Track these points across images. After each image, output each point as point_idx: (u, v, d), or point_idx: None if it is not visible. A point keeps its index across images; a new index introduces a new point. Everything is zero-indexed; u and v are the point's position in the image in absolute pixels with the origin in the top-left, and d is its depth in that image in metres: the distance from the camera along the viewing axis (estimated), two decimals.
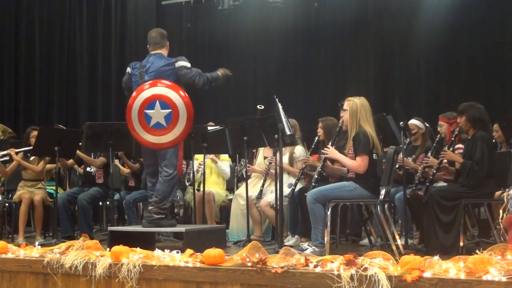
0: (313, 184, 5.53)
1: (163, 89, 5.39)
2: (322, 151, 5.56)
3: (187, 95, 5.44)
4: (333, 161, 5.69)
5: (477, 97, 6.71)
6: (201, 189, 6.84)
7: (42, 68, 10.89)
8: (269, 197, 6.31)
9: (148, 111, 5.37)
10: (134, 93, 5.49)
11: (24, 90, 10.72)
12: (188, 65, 5.56)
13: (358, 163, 5.13)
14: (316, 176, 5.63)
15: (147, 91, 5.40)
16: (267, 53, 11.30)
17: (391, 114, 6.08)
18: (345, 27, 10.81)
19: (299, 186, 6.18)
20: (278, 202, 5.68)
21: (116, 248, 4.14)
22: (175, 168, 5.51)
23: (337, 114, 5.80)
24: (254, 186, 6.67)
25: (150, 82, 5.45)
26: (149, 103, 5.37)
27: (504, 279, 3.00)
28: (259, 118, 6.20)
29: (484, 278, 3.05)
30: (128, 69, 5.76)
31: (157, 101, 5.35)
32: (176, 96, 5.36)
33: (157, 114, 5.36)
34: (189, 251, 4.03)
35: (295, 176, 6.36)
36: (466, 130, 5.61)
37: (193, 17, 11.70)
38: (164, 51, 5.69)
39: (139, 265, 3.93)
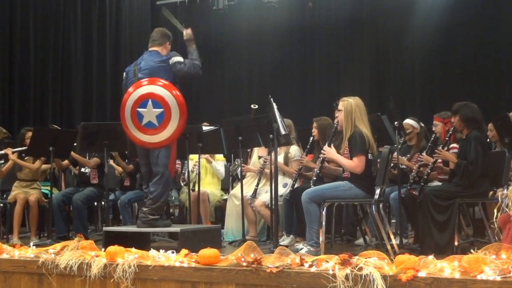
0: (312, 186, 5.52)
1: (156, 87, 5.34)
2: (321, 151, 5.55)
3: (180, 94, 5.40)
4: (328, 161, 5.69)
5: (471, 97, 6.72)
6: (196, 189, 6.84)
7: (37, 68, 10.86)
8: (264, 197, 6.30)
9: (140, 110, 5.33)
10: (130, 89, 5.44)
11: (18, 90, 10.69)
12: (181, 59, 5.55)
13: (356, 163, 5.14)
14: (315, 178, 5.63)
15: (141, 89, 5.36)
16: (262, 53, 11.30)
17: (386, 113, 6.09)
18: (339, 27, 10.81)
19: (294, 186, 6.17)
20: (273, 202, 5.69)
21: (111, 248, 4.15)
22: (166, 168, 5.48)
23: (332, 114, 5.80)
24: (249, 186, 6.66)
25: (147, 79, 5.42)
26: (142, 101, 5.32)
27: (498, 278, 3.01)
28: (254, 118, 6.20)
29: (478, 277, 3.06)
30: (124, 74, 5.76)
31: (150, 100, 5.31)
32: (169, 95, 5.31)
33: (149, 113, 5.31)
34: (184, 251, 4.04)
35: (290, 176, 6.36)
36: (460, 129, 5.62)
37: (187, 17, 11.65)
38: (162, 50, 5.65)
39: (134, 265, 3.94)
